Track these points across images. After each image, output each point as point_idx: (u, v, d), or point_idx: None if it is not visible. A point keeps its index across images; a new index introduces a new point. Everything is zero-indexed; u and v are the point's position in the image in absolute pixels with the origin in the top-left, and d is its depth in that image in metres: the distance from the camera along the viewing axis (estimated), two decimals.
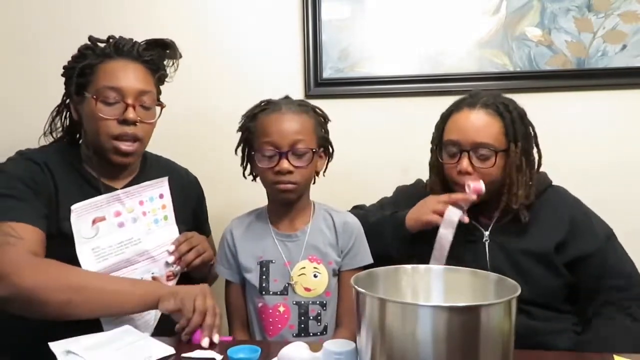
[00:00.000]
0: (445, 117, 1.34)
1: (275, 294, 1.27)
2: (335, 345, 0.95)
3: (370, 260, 1.32)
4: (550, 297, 1.28)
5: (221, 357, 1.06)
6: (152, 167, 1.40)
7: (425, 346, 0.79)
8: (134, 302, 1.13)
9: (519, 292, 0.85)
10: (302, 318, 1.26)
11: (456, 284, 1.00)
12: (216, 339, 1.10)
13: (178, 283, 1.32)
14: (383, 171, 1.72)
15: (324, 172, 1.36)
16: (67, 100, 1.33)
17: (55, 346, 1.05)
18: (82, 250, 1.19)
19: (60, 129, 1.36)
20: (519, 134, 1.26)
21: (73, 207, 1.19)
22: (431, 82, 1.72)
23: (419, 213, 1.31)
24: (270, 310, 1.27)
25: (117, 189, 1.29)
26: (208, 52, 1.82)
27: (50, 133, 1.36)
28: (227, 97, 1.79)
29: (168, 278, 1.30)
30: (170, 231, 1.33)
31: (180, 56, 1.37)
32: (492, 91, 1.38)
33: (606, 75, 1.65)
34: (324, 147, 1.33)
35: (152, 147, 1.40)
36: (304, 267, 1.28)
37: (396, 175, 1.60)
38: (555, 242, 1.27)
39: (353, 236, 1.31)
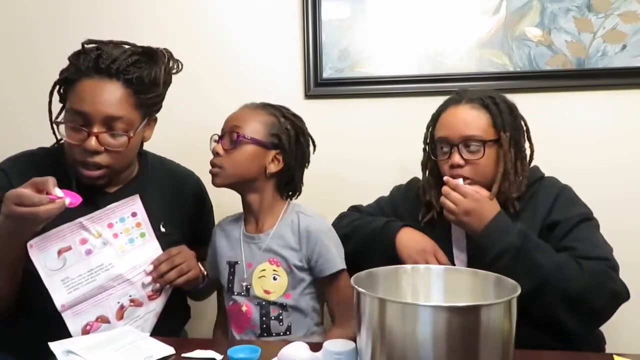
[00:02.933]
0: (434, 118, 1.37)
1: (239, 294, 1.30)
2: (335, 345, 0.95)
3: (340, 267, 1.29)
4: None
5: (221, 357, 1.06)
6: (153, 169, 1.38)
7: (425, 346, 0.79)
8: None
9: (518, 292, 0.85)
10: (264, 318, 1.27)
11: (456, 284, 1.00)
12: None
13: (169, 299, 1.29)
14: (383, 171, 1.72)
15: (286, 176, 1.33)
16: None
17: (55, 346, 1.05)
18: (52, 283, 1.13)
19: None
20: (507, 124, 1.28)
21: (30, 242, 1.11)
22: (431, 82, 1.72)
23: (415, 255, 1.30)
24: (236, 310, 1.30)
25: (110, 193, 1.28)
26: (208, 52, 1.82)
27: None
28: (226, 97, 1.79)
29: (150, 298, 1.24)
30: (149, 248, 1.25)
31: (178, 70, 1.31)
32: (481, 88, 1.40)
33: (606, 75, 1.64)
34: (280, 149, 1.30)
35: (151, 150, 1.41)
36: (264, 270, 1.29)
37: (396, 175, 1.60)
38: (542, 221, 1.27)
39: (318, 243, 1.28)
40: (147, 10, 1.84)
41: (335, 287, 1.30)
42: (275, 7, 1.79)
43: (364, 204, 1.55)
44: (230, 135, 1.27)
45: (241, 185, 1.31)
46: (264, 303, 1.28)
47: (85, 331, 1.16)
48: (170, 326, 1.36)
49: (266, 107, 1.33)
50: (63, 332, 1.11)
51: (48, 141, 1.36)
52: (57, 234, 1.14)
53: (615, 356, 1.04)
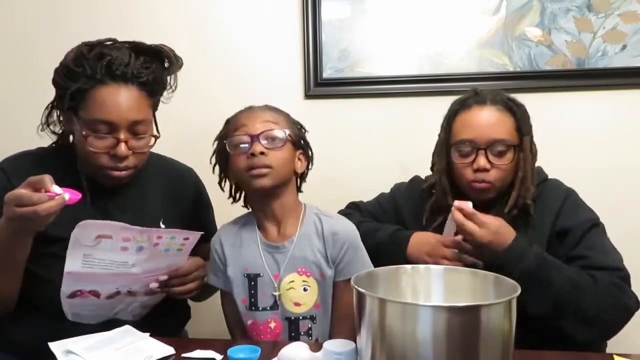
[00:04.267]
0: (451, 118, 1.32)
1: (265, 309, 1.22)
2: (335, 345, 0.95)
3: (369, 267, 1.21)
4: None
5: (221, 357, 1.06)
6: (152, 166, 1.36)
7: (425, 346, 0.79)
8: None
9: (518, 291, 0.85)
10: (293, 334, 1.22)
11: (456, 284, 1.00)
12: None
13: (169, 299, 1.29)
14: (383, 171, 1.72)
15: (304, 176, 1.32)
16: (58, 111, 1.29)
17: (55, 346, 1.05)
18: (74, 251, 1.10)
19: (57, 120, 1.30)
20: (528, 128, 1.28)
21: (80, 223, 1.08)
22: (431, 82, 1.72)
23: (425, 257, 1.27)
24: (261, 327, 1.23)
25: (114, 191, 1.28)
26: (208, 52, 1.82)
27: (48, 126, 1.31)
28: (226, 97, 1.79)
29: (145, 294, 1.23)
30: (177, 261, 1.23)
31: (180, 67, 1.31)
32: (492, 88, 1.38)
33: (606, 75, 1.64)
34: (302, 149, 1.28)
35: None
36: (293, 281, 1.21)
37: (396, 175, 1.59)
38: (548, 233, 1.26)
39: (344, 246, 1.22)
40: (147, 10, 1.84)
41: (351, 293, 1.19)
42: (275, 7, 1.79)
43: (361, 200, 1.54)
44: (271, 134, 1.20)
45: (278, 190, 1.23)
46: (292, 318, 1.21)
47: (73, 294, 1.15)
48: (170, 326, 1.36)
49: (279, 110, 1.28)
50: (63, 332, 1.11)
51: (48, 140, 1.36)
52: (108, 225, 1.11)
53: (615, 356, 1.04)
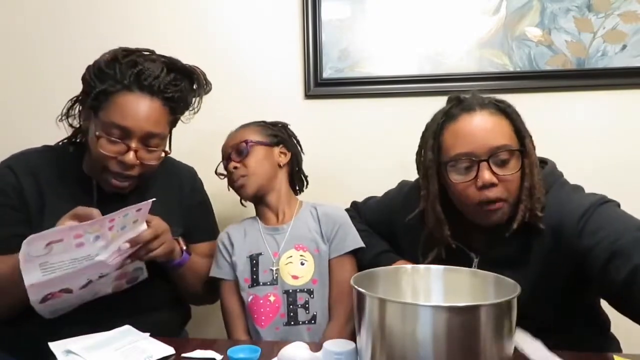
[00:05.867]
0: (437, 133, 1.15)
1: (265, 284, 1.30)
2: (335, 345, 0.95)
3: (359, 244, 1.34)
4: (545, 324, 1.06)
5: (221, 357, 1.06)
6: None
7: (425, 346, 0.79)
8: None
9: (518, 291, 0.85)
10: (291, 306, 1.28)
11: (456, 284, 1.00)
12: None
13: (169, 299, 1.29)
14: (382, 171, 1.71)
15: (297, 165, 1.45)
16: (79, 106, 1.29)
17: (55, 346, 1.05)
18: (28, 266, 1.03)
19: (78, 115, 1.31)
20: (526, 129, 1.14)
21: (26, 240, 1.01)
22: (431, 82, 1.72)
23: None
24: (262, 301, 1.29)
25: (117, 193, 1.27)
26: (207, 52, 1.81)
27: (67, 118, 1.31)
28: (226, 98, 1.79)
29: (118, 268, 1.18)
30: (137, 232, 1.18)
31: (208, 91, 1.33)
32: (481, 88, 1.32)
33: (606, 75, 1.64)
34: (282, 144, 1.42)
35: None
36: (291, 256, 1.32)
37: (396, 176, 1.59)
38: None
39: (337, 224, 1.35)
40: (147, 10, 1.84)
41: (343, 269, 1.32)
42: (275, 7, 1.79)
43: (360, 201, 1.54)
44: (237, 148, 1.36)
45: (264, 188, 1.37)
46: (290, 291, 1.29)
47: (44, 298, 1.12)
48: (170, 326, 1.36)
49: (250, 123, 1.43)
50: (63, 332, 1.11)
51: (48, 141, 1.37)
52: (56, 231, 1.06)
53: (615, 356, 1.04)
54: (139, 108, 1.19)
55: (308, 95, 1.77)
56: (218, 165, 1.44)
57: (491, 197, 1.08)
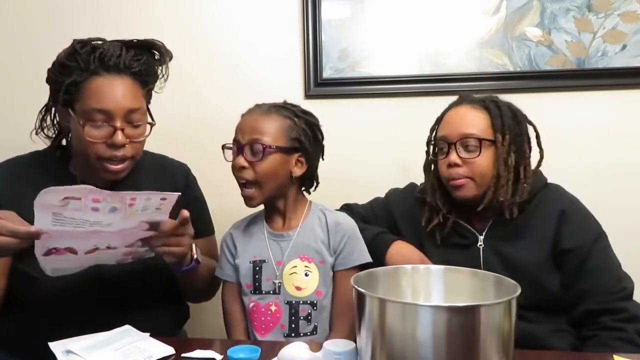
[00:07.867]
0: (438, 120, 1.37)
1: (267, 293, 1.27)
2: (335, 345, 0.95)
3: (367, 259, 1.29)
4: (544, 299, 1.25)
5: (221, 357, 1.06)
6: (145, 162, 1.36)
7: (425, 346, 0.79)
8: None
9: (518, 291, 0.85)
10: (293, 318, 1.25)
11: (456, 284, 1.00)
12: None
13: (169, 299, 1.27)
14: (383, 171, 1.72)
15: (312, 177, 1.34)
16: (53, 108, 1.30)
17: (55, 346, 1.05)
18: (41, 212, 1.00)
19: (51, 124, 1.32)
20: (508, 127, 1.27)
21: (43, 190, 0.98)
22: (431, 82, 1.72)
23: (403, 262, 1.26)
24: (263, 310, 1.27)
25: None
26: (207, 52, 1.82)
27: (42, 130, 1.32)
28: (226, 97, 1.79)
29: (125, 255, 1.16)
30: (157, 219, 1.14)
31: (170, 58, 1.32)
32: (481, 88, 1.41)
33: (606, 75, 1.64)
34: (301, 152, 1.28)
35: (151, 149, 1.40)
36: (295, 266, 1.27)
37: (396, 176, 1.60)
38: (549, 243, 1.26)
39: (345, 236, 1.29)
40: (147, 9, 1.84)
41: (349, 283, 1.24)
42: (275, 7, 1.79)
43: (356, 202, 1.54)
44: (253, 146, 1.23)
45: (272, 197, 1.29)
46: (293, 302, 1.25)
47: (48, 252, 1.09)
48: (169, 326, 1.36)
49: (279, 109, 1.28)
50: (63, 332, 1.11)
51: (47, 140, 1.37)
52: (77, 189, 1.03)
53: (615, 356, 1.04)
54: (113, 88, 1.20)
55: (308, 95, 1.77)
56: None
57: (453, 174, 1.28)
